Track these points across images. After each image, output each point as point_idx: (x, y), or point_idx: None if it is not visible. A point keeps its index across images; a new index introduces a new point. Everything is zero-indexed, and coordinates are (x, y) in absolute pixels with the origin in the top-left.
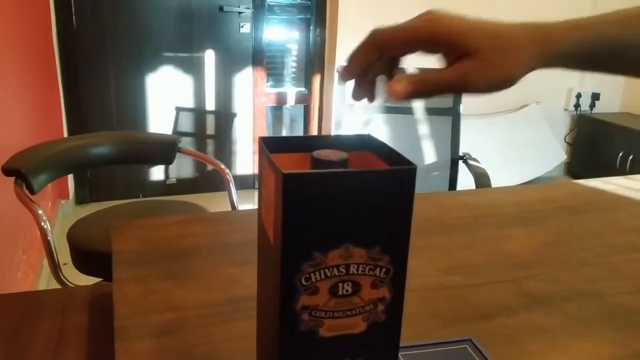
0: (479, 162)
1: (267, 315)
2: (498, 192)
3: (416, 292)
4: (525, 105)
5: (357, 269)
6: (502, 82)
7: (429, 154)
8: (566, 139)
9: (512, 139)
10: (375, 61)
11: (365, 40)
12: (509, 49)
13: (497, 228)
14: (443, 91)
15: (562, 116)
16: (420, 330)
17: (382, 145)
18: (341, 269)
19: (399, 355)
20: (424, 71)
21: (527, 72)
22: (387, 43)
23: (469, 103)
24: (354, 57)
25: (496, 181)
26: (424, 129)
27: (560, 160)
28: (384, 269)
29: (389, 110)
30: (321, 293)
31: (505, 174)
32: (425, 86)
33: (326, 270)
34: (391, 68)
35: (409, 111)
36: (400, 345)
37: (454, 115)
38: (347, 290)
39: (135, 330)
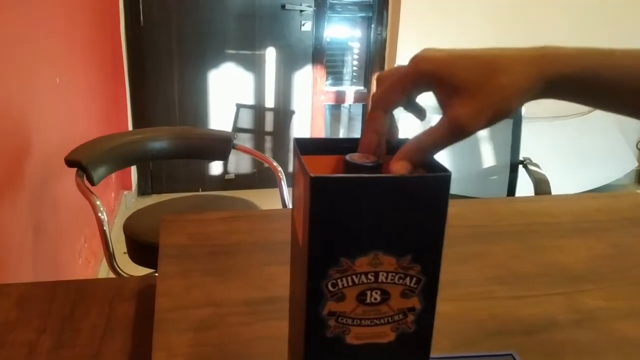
0: (540, 168)
1: (295, 319)
2: (556, 199)
3: (459, 301)
4: (595, 109)
5: (387, 278)
6: (497, 113)
7: (487, 157)
8: (638, 146)
9: (579, 144)
10: (387, 121)
11: (371, 110)
12: (497, 72)
13: (551, 238)
14: (443, 148)
15: (634, 121)
16: (460, 342)
17: None
18: (369, 276)
19: None
20: (416, 137)
21: (525, 96)
22: (388, 103)
23: (532, 106)
24: (367, 135)
25: (561, 188)
26: (483, 131)
27: (631, 168)
28: (414, 279)
29: None
30: (348, 300)
31: (571, 181)
32: (424, 155)
33: (354, 277)
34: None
35: None
36: (437, 356)
37: (515, 118)
38: (375, 299)
39: (174, 324)
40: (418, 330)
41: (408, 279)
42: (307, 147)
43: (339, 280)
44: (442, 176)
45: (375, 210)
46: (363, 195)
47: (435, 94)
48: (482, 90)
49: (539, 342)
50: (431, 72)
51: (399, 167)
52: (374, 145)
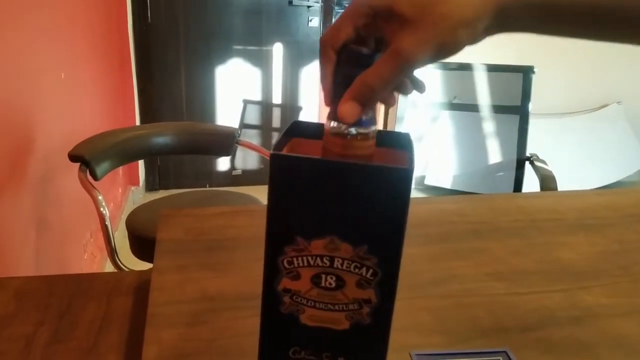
0: (546, 164)
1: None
2: (559, 196)
3: (457, 297)
4: (605, 105)
5: (342, 264)
6: (442, 45)
7: (494, 153)
8: None
9: (590, 141)
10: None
11: (321, 51)
12: (439, 1)
13: (554, 234)
14: (392, 83)
15: None
16: (455, 339)
17: (410, 146)
18: (325, 260)
19: None
20: (361, 75)
21: (473, 27)
22: (338, 40)
23: (543, 102)
24: (327, 81)
25: (570, 185)
26: (490, 127)
27: None
28: (370, 270)
29: (454, 107)
30: (303, 279)
31: (581, 178)
32: (372, 93)
33: (309, 257)
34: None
35: (475, 109)
36: (428, 352)
37: (522, 114)
38: (330, 284)
39: (167, 319)
40: (374, 323)
41: (364, 270)
42: (305, 130)
43: (294, 259)
44: (401, 169)
45: (332, 194)
46: (320, 177)
47: (381, 28)
48: (424, 20)
49: (535, 339)
50: (374, 9)
51: (346, 108)
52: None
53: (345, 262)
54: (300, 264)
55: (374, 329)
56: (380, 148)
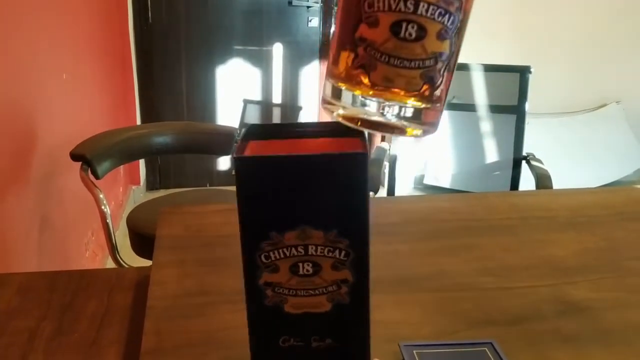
0: (543, 163)
1: None
2: (552, 194)
3: (445, 291)
4: (604, 105)
5: (316, 250)
6: None
7: (491, 152)
8: None
9: (588, 141)
10: None
11: None
12: None
13: (544, 231)
14: None
15: None
16: (442, 330)
17: (362, 133)
18: (299, 249)
19: (414, 353)
20: None
21: None
22: None
23: (542, 102)
24: None
25: (568, 185)
26: (487, 127)
27: None
28: (343, 252)
29: (451, 107)
30: (282, 271)
31: (579, 178)
32: None
33: (284, 249)
34: None
35: (472, 108)
36: (417, 343)
37: (519, 113)
38: (307, 270)
39: (165, 311)
40: (353, 302)
41: (337, 252)
42: (262, 133)
43: (271, 253)
44: (357, 154)
45: (296, 186)
46: (283, 172)
47: None
48: None
49: (522, 332)
50: None
51: None
52: None
53: (319, 247)
54: (278, 257)
55: (354, 307)
56: (334, 139)
